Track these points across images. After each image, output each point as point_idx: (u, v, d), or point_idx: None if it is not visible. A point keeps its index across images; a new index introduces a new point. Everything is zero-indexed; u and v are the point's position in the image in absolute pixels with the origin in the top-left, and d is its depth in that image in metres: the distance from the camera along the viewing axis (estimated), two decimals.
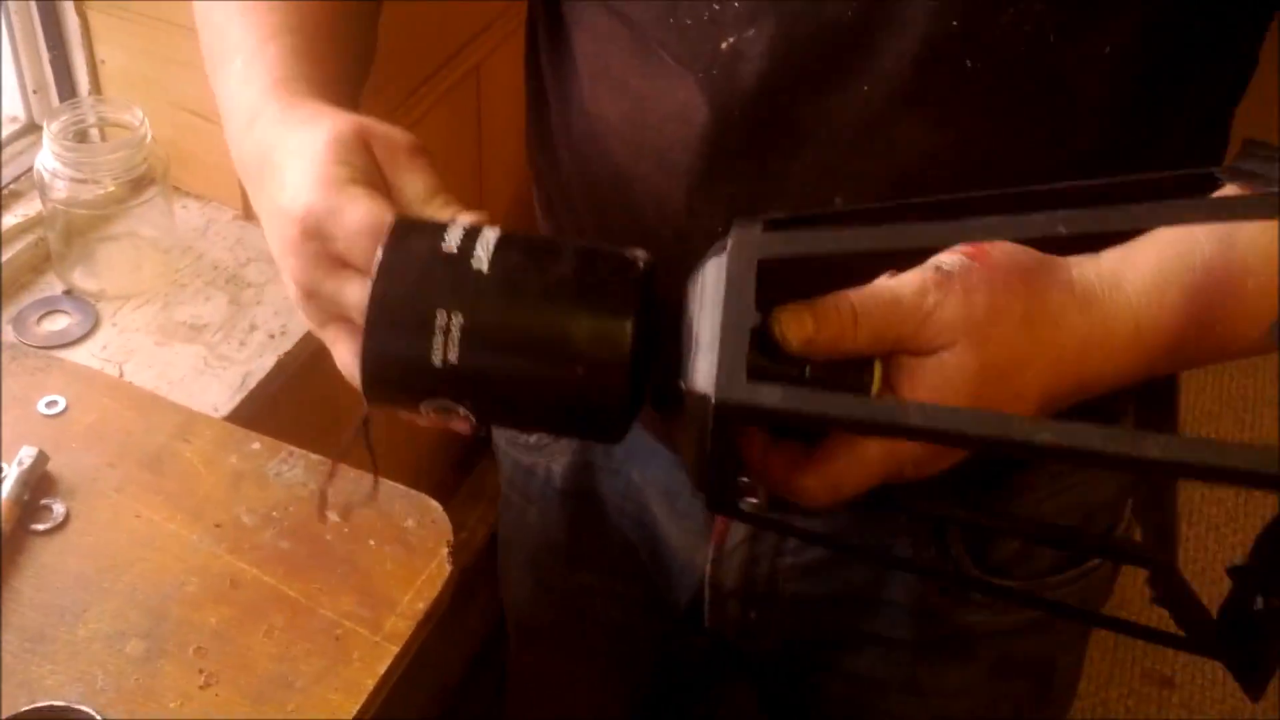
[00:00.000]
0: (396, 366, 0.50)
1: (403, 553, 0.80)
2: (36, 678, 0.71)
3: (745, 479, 0.51)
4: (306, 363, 1.03)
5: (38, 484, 0.81)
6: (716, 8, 0.56)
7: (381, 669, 0.72)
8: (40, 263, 1.03)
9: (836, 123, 0.57)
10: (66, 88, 1.09)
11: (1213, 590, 0.49)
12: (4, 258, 1.01)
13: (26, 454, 0.81)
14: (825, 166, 0.58)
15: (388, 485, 0.84)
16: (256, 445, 0.86)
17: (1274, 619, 0.45)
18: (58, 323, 1.00)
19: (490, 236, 0.50)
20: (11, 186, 1.07)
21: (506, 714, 1.10)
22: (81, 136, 1.02)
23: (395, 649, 0.74)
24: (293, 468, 0.85)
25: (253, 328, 1.01)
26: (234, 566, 0.79)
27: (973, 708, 0.82)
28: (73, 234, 1.01)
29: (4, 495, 0.78)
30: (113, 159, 0.97)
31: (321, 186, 0.52)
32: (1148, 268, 0.49)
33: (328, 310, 0.55)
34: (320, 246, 0.53)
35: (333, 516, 0.81)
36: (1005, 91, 0.55)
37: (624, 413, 0.50)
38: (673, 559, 0.86)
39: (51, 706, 0.70)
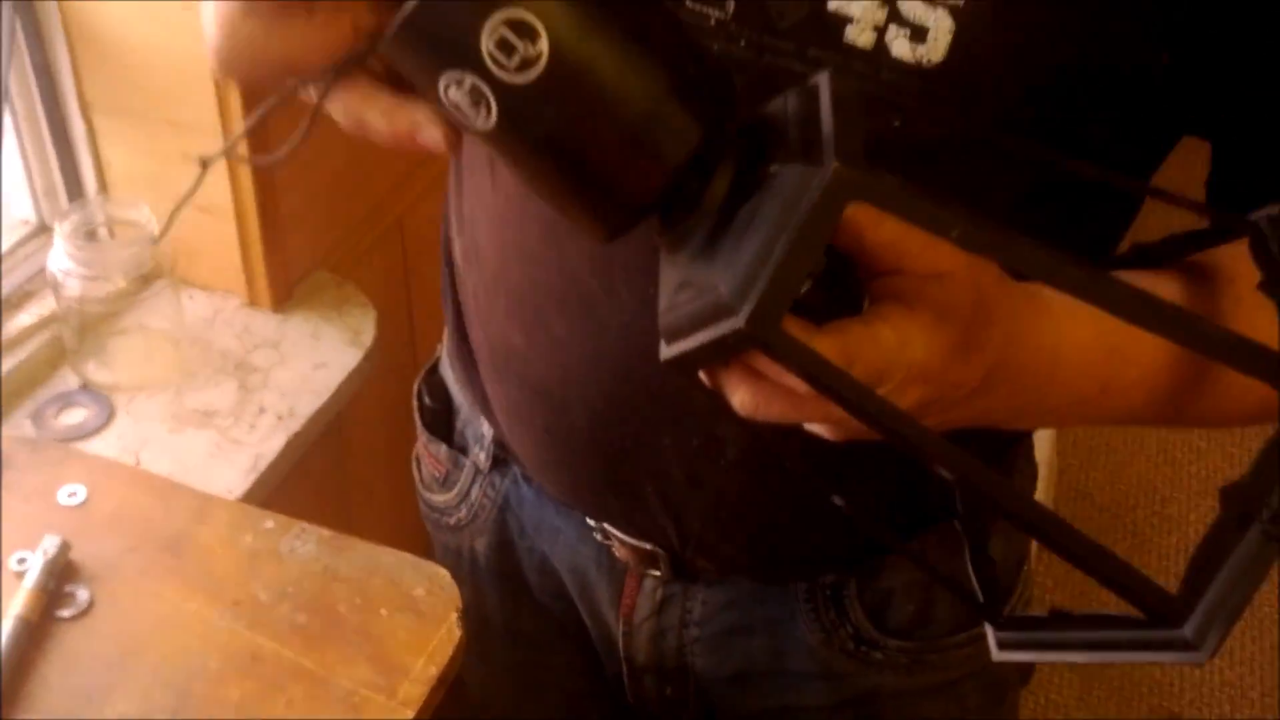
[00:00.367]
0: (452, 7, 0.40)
1: (414, 620, 0.83)
2: None
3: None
4: (315, 441, 1.07)
5: (61, 572, 0.84)
6: None
7: None
8: (56, 358, 1.08)
9: None
10: (75, 189, 1.14)
11: None
12: (21, 356, 1.05)
13: (50, 544, 0.84)
14: None
15: (397, 555, 0.87)
16: (270, 524, 0.90)
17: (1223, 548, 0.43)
18: (75, 415, 1.04)
19: None
20: (25, 286, 1.11)
21: None
22: (91, 235, 1.06)
23: (410, 714, 0.76)
24: (305, 543, 0.89)
25: (261, 410, 1.05)
26: (253, 642, 0.82)
27: None
28: (86, 330, 1.06)
29: (29, 585, 0.81)
30: (122, 256, 1.02)
31: None
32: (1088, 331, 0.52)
33: None
34: None
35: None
36: None
37: (642, 205, 0.45)
38: (592, 634, 0.87)
39: None
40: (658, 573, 0.79)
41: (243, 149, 0.72)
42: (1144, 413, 0.57)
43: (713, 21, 0.56)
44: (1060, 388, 0.53)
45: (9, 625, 0.79)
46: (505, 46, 0.40)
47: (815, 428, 0.48)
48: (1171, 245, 0.57)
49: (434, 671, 0.79)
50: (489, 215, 0.72)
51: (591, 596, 0.84)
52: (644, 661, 0.84)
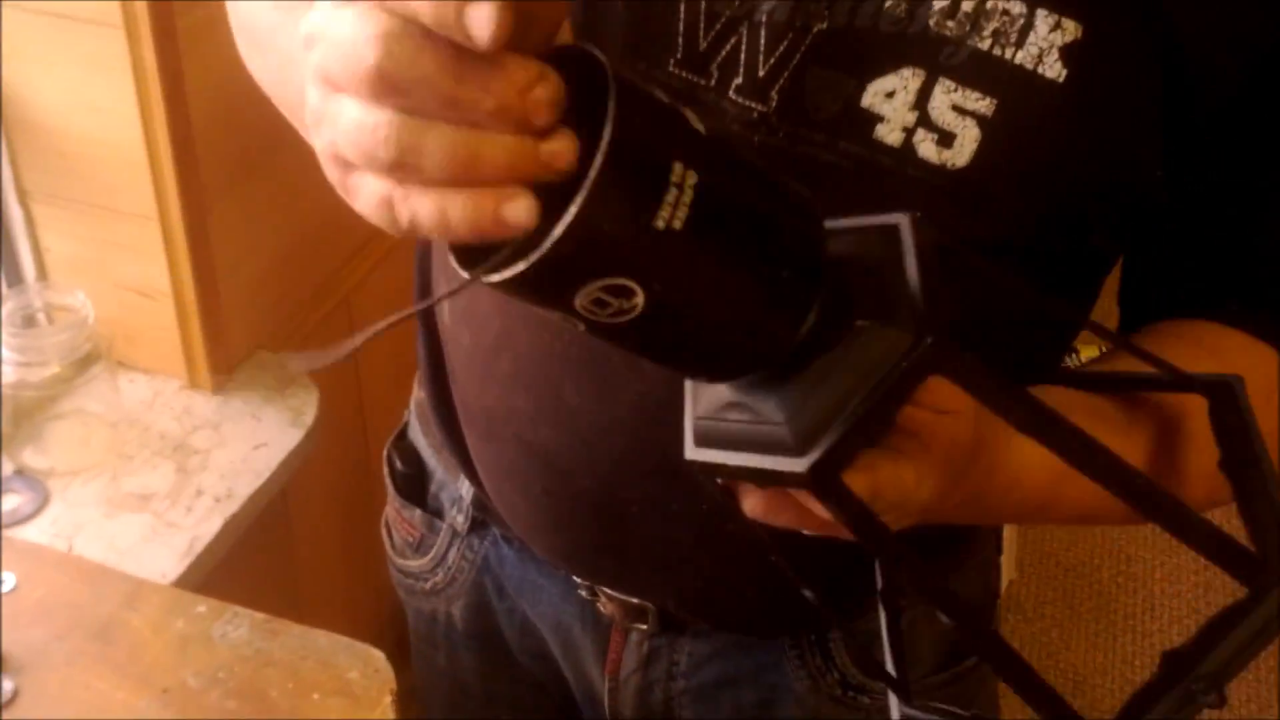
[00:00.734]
0: (609, 227, 0.38)
1: (347, 704, 0.82)
2: None
3: None
4: (256, 521, 1.06)
5: None
6: None
7: None
8: None
9: None
10: (14, 275, 1.14)
11: None
12: None
13: None
14: None
15: (331, 638, 0.86)
16: (202, 608, 0.89)
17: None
18: (9, 502, 1.03)
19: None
20: None
21: None
22: (29, 321, 1.06)
23: None
24: (238, 628, 0.88)
25: (199, 493, 1.04)
26: None
27: None
28: (21, 415, 1.05)
29: None
30: (58, 341, 1.02)
31: None
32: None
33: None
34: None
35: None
36: None
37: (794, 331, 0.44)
38: (576, 692, 0.87)
39: None
40: (644, 626, 0.79)
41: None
42: (1093, 518, 0.62)
43: (755, 114, 0.59)
44: (1013, 505, 0.58)
45: None
46: (600, 303, 0.40)
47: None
48: (1123, 379, 0.62)
49: None
50: None
51: (576, 654, 0.84)
52: (630, 716, 0.84)
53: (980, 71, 0.56)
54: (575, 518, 0.73)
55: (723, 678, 0.80)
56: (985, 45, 0.56)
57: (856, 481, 0.44)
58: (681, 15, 0.59)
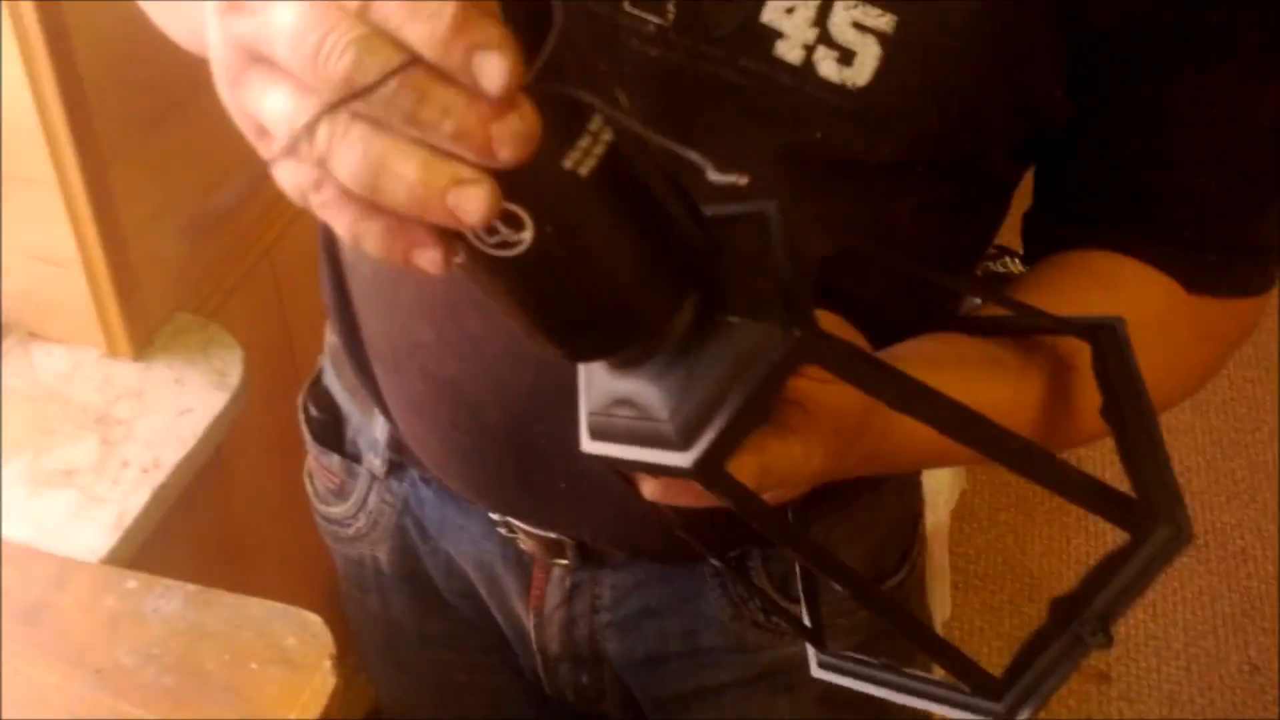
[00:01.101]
0: None
1: (286, 672, 0.81)
2: None
3: None
4: (185, 491, 1.03)
5: None
6: None
7: None
8: None
9: None
10: None
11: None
12: None
13: None
14: None
15: (266, 605, 0.84)
16: (132, 584, 0.87)
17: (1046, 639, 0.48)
18: None
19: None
20: None
21: None
22: None
23: None
24: (170, 601, 0.86)
25: (125, 464, 1.01)
26: (118, 710, 0.79)
27: None
28: None
29: None
30: None
31: None
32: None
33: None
34: None
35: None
36: None
37: (604, 355, 0.46)
38: (505, 629, 0.87)
39: None
40: (565, 561, 0.78)
41: None
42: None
43: (652, 28, 0.57)
44: (910, 458, 0.60)
45: None
46: (491, 229, 0.39)
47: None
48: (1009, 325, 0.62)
49: None
50: None
51: (500, 591, 0.84)
52: (558, 651, 0.84)
53: None
54: (485, 451, 0.72)
55: (645, 609, 0.80)
56: None
57: (746, 463, 0.45)
58: None
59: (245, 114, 0.39)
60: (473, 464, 0.74)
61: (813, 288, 0.44)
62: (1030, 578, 2.10)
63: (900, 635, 0.49)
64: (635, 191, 0.42)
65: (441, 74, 0.35)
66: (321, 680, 0.80)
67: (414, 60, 0.35)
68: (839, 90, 0.56)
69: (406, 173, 0.36)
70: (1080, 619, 0.47)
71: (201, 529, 1.07)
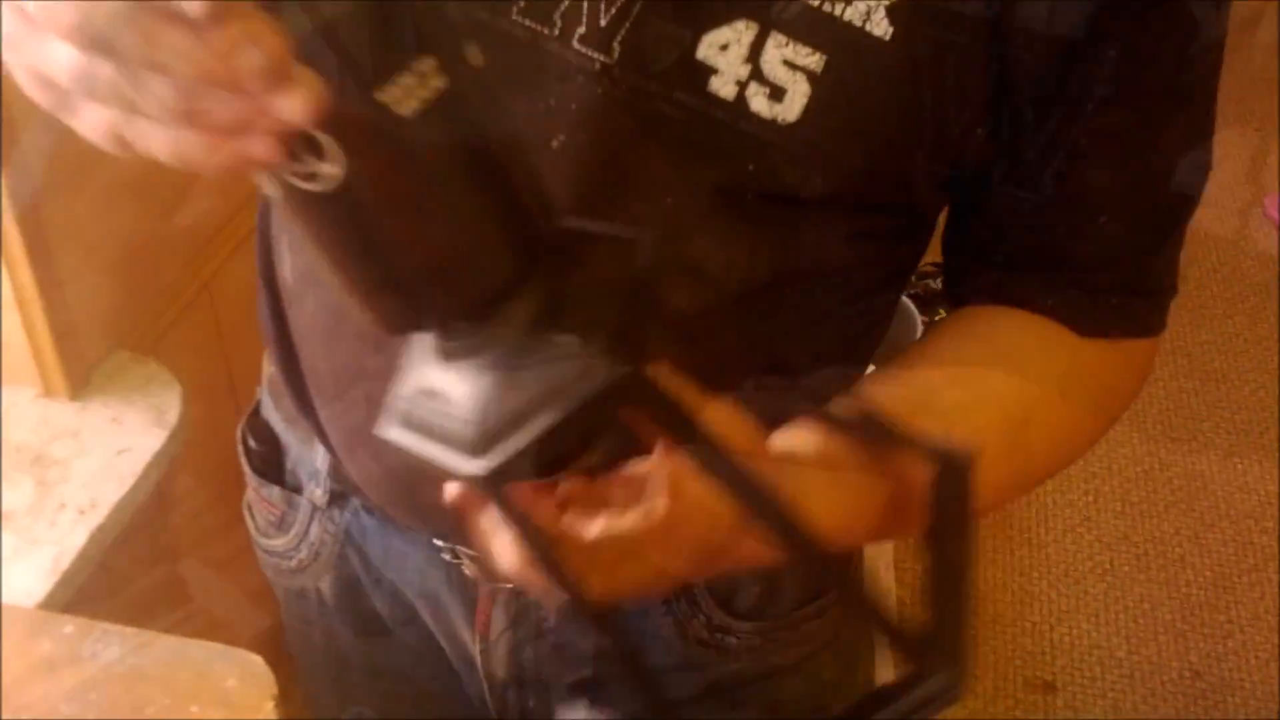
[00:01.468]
0: (339, 68, 0.37)
1: (228, 715, 0.80)
2: None
3: None
4: (122, 531, 1.03)
5: None
6: None
7: None
8: None
9: None
10: None
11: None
12: None
13: None
14: None
15: (205, 646, 0.84)
16: (69, 628, 0.86)
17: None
18: None
19: None
20: None
21: None
22: None
23: None
24: (108, 645, 0.85)
25: (62, 506, 1.00)
26: None
27: None
28: None
29: None
30: None
31: None
32: None
33: None
34: None
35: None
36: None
37: (424, 326, 0.45)
38: (451, 657, 0.87)
39: None
40: (509, 584, 0.78)
41: None
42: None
43: (598, 66, 0.59)
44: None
45: None
46: (294, 155, 0.37)
47: None
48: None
49: None
50: None
51: (446, 618, 0.84)
52: (504, 677, 0.84)
53: (811, 27, 0.57)
54: (427, 477, 0.72)
55: (589, 631, 0.80)
56: (815, 1, 0.57)
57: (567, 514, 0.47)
58: None
59: (31, 73, 0.38)
60: (415, 490, 0.74)
61: (654, 329, 0.44)
62: (974, 591, 2.12)
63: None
64: (472, 151, 0.39)
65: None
66: None
67: None
68: (769, 125, 0.58)
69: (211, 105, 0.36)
70: None
71: (141, 572, 1.06)
